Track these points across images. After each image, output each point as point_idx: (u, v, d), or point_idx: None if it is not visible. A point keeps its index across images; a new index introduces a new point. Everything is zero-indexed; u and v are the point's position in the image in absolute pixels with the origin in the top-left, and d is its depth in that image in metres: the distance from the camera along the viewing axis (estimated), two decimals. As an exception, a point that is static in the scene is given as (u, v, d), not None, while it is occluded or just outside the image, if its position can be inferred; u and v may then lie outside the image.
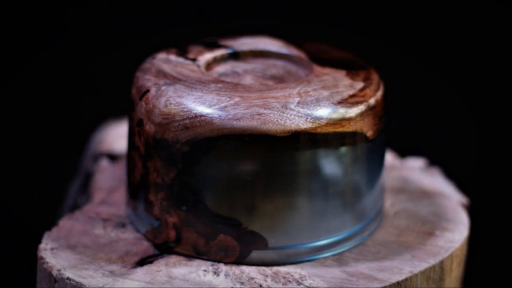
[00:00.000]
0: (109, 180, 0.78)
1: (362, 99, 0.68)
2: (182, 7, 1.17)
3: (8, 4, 1.14)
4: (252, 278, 0.66)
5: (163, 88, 0.68)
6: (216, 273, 0.66)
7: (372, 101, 0.68)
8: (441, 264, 0.69)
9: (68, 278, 0.66)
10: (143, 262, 0.67)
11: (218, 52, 0.73)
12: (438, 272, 0.68)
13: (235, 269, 0.67)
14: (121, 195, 0.76)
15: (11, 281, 0.69)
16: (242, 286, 0.65)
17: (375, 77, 0.71)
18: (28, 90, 1.14)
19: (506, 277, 0.98)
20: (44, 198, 0.97)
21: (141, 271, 0.66)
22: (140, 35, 1.15)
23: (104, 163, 0.81)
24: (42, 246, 0.69)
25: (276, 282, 0.66)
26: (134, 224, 0.72)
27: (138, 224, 0.71)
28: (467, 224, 0.74)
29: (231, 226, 0.66)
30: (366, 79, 0.70)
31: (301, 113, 0.65)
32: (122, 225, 0.72)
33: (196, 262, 0.68)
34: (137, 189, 0.71)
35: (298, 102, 0.66)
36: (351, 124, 0.66)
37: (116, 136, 0.86)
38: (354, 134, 0.67)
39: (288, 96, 0.66)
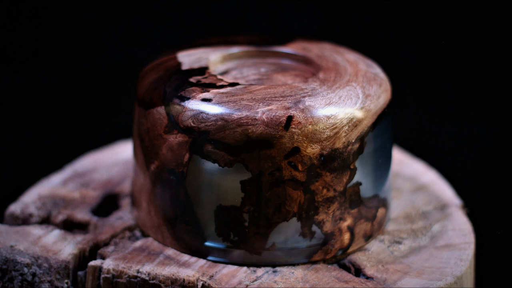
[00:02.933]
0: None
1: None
2: (182, 7, 1.17)
3: (8, 4, 1.14)
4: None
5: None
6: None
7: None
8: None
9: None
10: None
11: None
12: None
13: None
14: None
15: None
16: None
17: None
18: (28, 90, 1.14)
19: (506, 277, 0.98)
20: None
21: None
22: (139, 36, 1.15)
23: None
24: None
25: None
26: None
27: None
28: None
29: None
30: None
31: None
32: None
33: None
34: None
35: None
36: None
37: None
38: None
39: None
